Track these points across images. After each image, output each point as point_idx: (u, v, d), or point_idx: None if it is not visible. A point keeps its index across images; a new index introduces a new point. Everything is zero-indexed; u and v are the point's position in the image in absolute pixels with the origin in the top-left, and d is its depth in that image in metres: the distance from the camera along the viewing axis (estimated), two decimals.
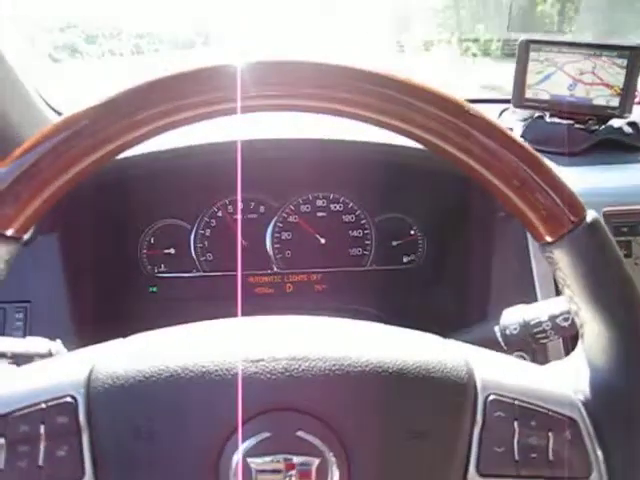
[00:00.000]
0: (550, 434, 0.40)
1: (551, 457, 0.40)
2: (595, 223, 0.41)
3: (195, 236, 1.04)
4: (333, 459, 0.38)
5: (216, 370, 0.39)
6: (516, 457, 0.40)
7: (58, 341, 0.65)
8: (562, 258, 0.42)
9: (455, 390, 0.41)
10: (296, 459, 0.38)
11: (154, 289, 1.05)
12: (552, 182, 0.41)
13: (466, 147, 0.40)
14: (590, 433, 0.41)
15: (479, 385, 0.41)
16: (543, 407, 0.41)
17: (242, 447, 0.38)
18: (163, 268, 1.05)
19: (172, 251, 1.04)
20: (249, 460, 0.38)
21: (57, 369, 0.41)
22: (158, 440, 0.38)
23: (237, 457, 0.38)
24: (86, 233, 0.92)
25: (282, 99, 0.41)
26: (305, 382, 0.39)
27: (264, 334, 0.43)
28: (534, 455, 0.40)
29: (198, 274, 1.05)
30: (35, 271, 0.83)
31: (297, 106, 0.41)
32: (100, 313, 0.91)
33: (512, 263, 0.85)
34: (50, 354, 0.62)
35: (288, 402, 0.39)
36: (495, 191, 0.41)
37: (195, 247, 1.04)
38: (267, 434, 0.38)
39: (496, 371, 0.43)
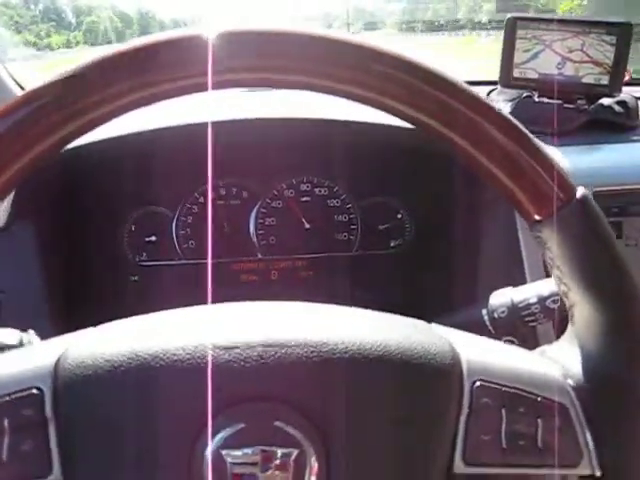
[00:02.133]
0: (539, 421, 0.39)
1: (540, 444, 0.38)
2: (585, 200, 0.39)
3: (177, 223, 1.02)
4: (312, 449, 0.36)
5: (188, 358, 0.37)
6: (503, 445, 0.38)
7: (31, 332, 0.63)
8: (551, 237, 0.40)
9: (440, 376, 0.39)
10: (273, 450, 0.36)
11: (136, 278, 1.02)
12: (540, 158, 0.39)
13: (450, 122, 0.38)
14: (580, 419, 0.39)
15: (465, 371, 0.39)
16: (532, 393, 0.39)
17: (216, 439, 0.36)
18: (145, 256, 1.02)
19: (154, 239, 1.02)
20: (223, 452, 0.36)
21: (23, 360, 0.39)
22: (128, 431, 0.37)
23: (210, 449, 0.36)
24: (64, 221, 0.90)
25: (257, 73, 0.38)
26: (281, 370, 0.37)
27: (238, 321, 0.41)
28: (522, 442, 0.38)
29: (181, 262, 1.02)
30: (9, 260, 0.81)
31: (273, 81, 0.39)
32: (79, 304, 0.89)
33: (501, 246, 0.84)
34: (21, 345, 0.60)
35: (264, 391, 0.37)
36: (481, 168, 0.39)
37: (177, 234, 1.02)
38: (242, 425, 0.36)
39: (483, 356, 0.41)
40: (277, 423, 0.36)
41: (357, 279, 1.00)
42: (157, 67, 0.37)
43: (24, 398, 0.36)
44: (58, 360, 0.38)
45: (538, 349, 0.46)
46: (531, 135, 0.39)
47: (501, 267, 0.83)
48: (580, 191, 0.39)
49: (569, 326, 0.43)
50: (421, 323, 0.43)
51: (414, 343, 0.39)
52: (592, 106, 1.00)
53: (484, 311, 0.62)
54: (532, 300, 0.59)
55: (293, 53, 0.38)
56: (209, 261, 0.99)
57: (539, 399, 0.39)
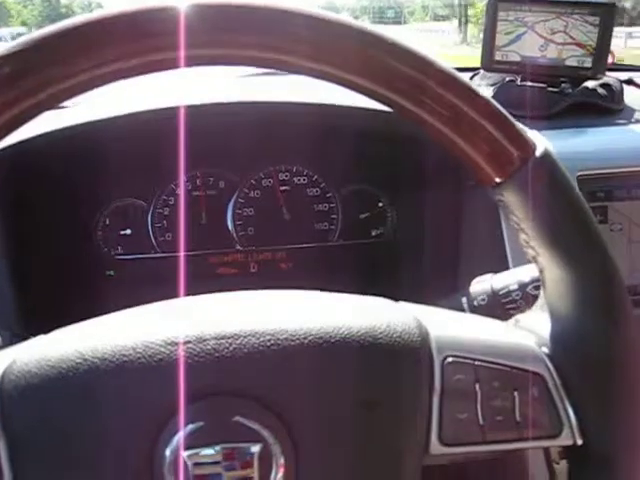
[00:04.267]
0: (515, 393, 0.37)
1: (518, 418, 0.37)
2: (545, 157, 0.37)
3: (152, 215, 0.99)
4: (277, 443, 0.35)
5: (138, 358, 0.35)
6: (481, 422, 0.37)
7: None
8: (513, 199, 0.38)
9: (408, 355, 0.37)
10: (235, 447, 0.34)
11: (111, 272, 0.99)
12: (494, 116, 0.37)
13: (391, 84, 0.36)
14: (558, 388, 0.38)
15: (434, 347, 0.37)
16: (505, 365, 0.38)
17: (174, 440, 0.34)
18: (120, 250, 0.99)
19: (129, 232, 0.99)
20: (184, 453, 0.34)
21: None
22: (81, 440, 0.34)
23: (170, 451, 0.34)
24: (33, 215, 0.87)
25: (234, 49, 0.35)
26: (237, 362, 0.35)
27: (190, 315, 0.39)
28: (500, 418, 0.37)
29: (157, 255, 0.99)
30: None
31: (249, 58, 0.36)
32: (52, 300, 0.86)
33: (483, 232, 0.82)
34: None
35: (220, 386, 0.35)
36: (434, 132, 0.37)
37: (153, 227, 0.99)
38: (201, 423, 0.34)
39: (452, 330, 0.39)
40: (237, 418, 0.35)
41: (338, 269, 0.97)
42: (122, 40, 0.34)
43: None
44: (4, 372, 0.35)
45: (511, 319, 0.44)
46: (481, 92, 0.37)
47: (483, 254, 0.81)
48: (541, 147, 0.37)
49: (541, 292, 0.41)
50: (385, 301, 0.41)
51: (378, 322, 0.37)
52: (576, 89, 0.98)
53: (464, 299, 0.60)
54: (513, 287, 0.57)
55: (268, 29, 0.35)
56: (181, 254, 0.97)
57: (514, 370, 0.38)
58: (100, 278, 0.99)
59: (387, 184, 1.00)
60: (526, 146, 0.37)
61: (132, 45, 0.34)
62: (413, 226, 0.98)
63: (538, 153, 0.37)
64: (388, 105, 0.37)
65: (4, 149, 0.74)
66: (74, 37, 0.34)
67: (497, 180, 0.38)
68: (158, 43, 0.34)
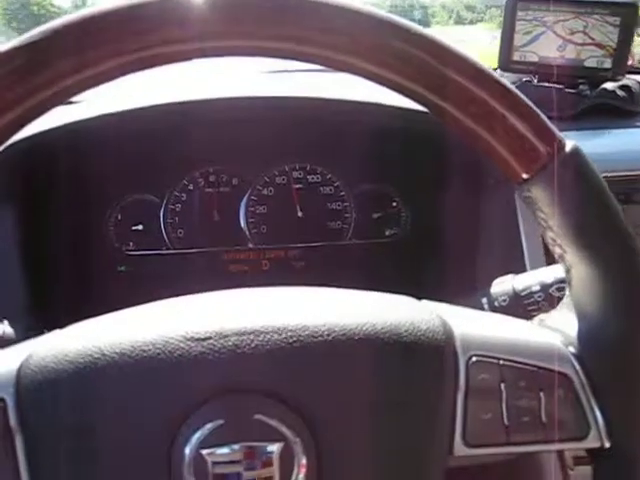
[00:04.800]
0: (541, 394, 0.36)
1: (544, 419, 0.36)
2: (575, 153, 0.36)
3: (165, 211, 0.98)
4: (298, 442, 0.34)
5: (158, 354, 0.34)
6: (506, 423, 0.36)
7: (5, 322, 0.60)
8: (541, 196, 0.37)
9: (433, 353, 0.36)
10: (255, 446, 0.34)
11: (122, 268, 0.99)
12: (522, 111, 0.36)
13: (419, 78, 0.35)
14: (585, 388, 0.37)
15: (459, 346, 0.36)
16: (531, 364, 0.37)
17: (194, 438, 0.33)
18: (132, 246, 0.99)
19: (141, 228, 0.98)
20: (203, 452, 0.33)
21: None
22: (100, 437, 0.34)
23: (189, 449, 0.33)
24: (46, 209, 0.86)
25: (257, 40, 0.34)
26: (259, 359, 0.34)
27: (210, 310, 0.38)
28: (525, 419, 0.36)
29: (169, 251, 0.99)
30: None
31: (275, 50, 0.35)
32: (63, 294, 0.86)
33: (500, 233, 0.81)
34: None
35: (241, 383, 0.34)
36: (461, 128, 0.36)
37: (165, 223, 0.98)
38: (221, 421, 0.34)
39: (477, 329, 0.38)
40: (258, 416, 0.34)
41: (351, 269, 0.96)
42: (140, 31, 0.33)
43: None
44: (21, 366, 0.35)
45: (535, 319, 0.43)
46: (510, 85, 0.36)
47: (500, 255, 0.80)
48: (569, 144, 0.36)
49: (567, 291, 0.40)
50: (409, 299, 0.40)
51: (402, 320, 0.37)
52: (594, 90, 0.97)
53: (484, 299, 0.59)
54: (535, 288, 0.56)
55: (284, 19, 0.34)
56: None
57: (540, 370, 0.37)
58: (111, 273, 0.98)
59: (402, 184, 0.99)
60: (554, 142, 0.36)
61: (146, 37, 0.33)
62: (428, 226, 0.97)
63: (567, 149, 0.36)
64: (415, 99, 0.36)
65: (16, 143, 0.74)
66: (87, 29, 0.33)
67: (524, 176, 0.37)
68: (173, 34, 0.33)
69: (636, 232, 0.80)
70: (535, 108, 0.36)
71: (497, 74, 0.36)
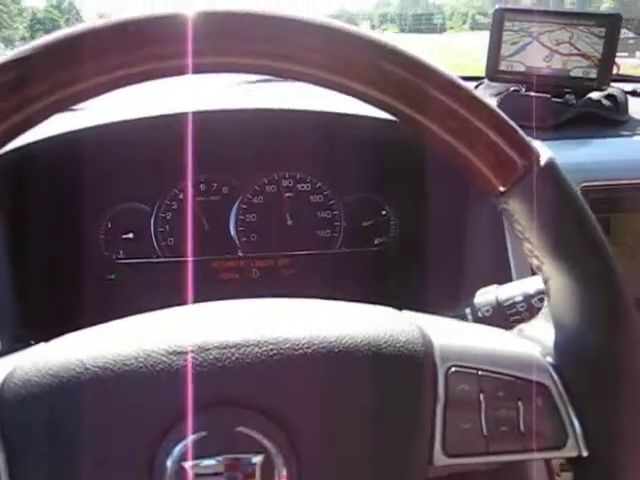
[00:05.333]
0: (520, 403, 0.37)
1: (522, 429, 0.37)
2: (550, 166, 0.37)
3: (155, 220, 0.98)
4: (279, 454, 0.34)
5: (140, 367, 0.34)
6: (485, 432, 0.36)
7: None
8: (517, 208, 0.37)
9: (412, 365, 0.37)
10: (237, 457, 0.34)
11: (112, 276, 0.99)
12: (498, 124, 0.36)
13: (395, 92, 0.36)
14: (563, 398, 0.37)
15: (438, 356, 0.37)
16: (509, 375, 0.37)
17: (176, 450, 0.34)
18: (122, 254, 0.99)
19: (131, 236, 0.99)
20: (185, 465, 0.34)
21: None
22: (83, 451, 0.34)
23: (171, 462, 0.34)
24: (36, 216, 0.86)
25: (243, 58, 0.35)
26: (240, 372, 0.35)
27: (192, 324, 0.38)
28: (504, 428, 0.37)
29: (159, 260, 0.99)
30: None
31: (260, 67, 0.36)
32: (53, 303, 0.86)
33: (487, 243, 0.81)
34: None
35: (223, 396, 0.35)
36: (437, 141, 0.37)
37: (155, 231, 0.99)
38: (203, 433, 0.34)
39: (456, 339, 0.39)
40: (240, 428, 0.34)
41: (340, 277, 0.97)
42: (130, 46, 0.34)
43: None
44: (4, 380, 0.35)
45: (515, 329, 0.44)
46: (486, 100, 0.37)
47: (486, 264, 0.80)
48: (545, 156, 0.37)
49: (545, 302, 0.41)
50: (389, 310, 0.40)
51: (382, 332, 0.37)
52: (580, 100, 0.98)
53: (468, 310, 0.59)
54: (518, 299, 0.57)
55: (279, 37, 0.35)
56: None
57: (518, 381, 0.37)
58: (102, 282, 0.98)
59: (391, 192, 1.00)
60: (530, 154, 0.37)
61: (137, 52, 0.34)
62: (416, 235, 0.98)
63: (542, 162, 0.37)
64: (392, 114, 0.37)
65: (4, 153, 0.74)
66: (80, 44, 0.33)
67: (501, 189, 0.38)
68: (163, 51, 0.34)
69: (619, 241, 0.81)
70: (510, 121, 0.37)
71: (473, 89, 0.37)
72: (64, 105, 0.35)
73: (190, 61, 0.34)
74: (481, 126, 0.36)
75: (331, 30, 0.35)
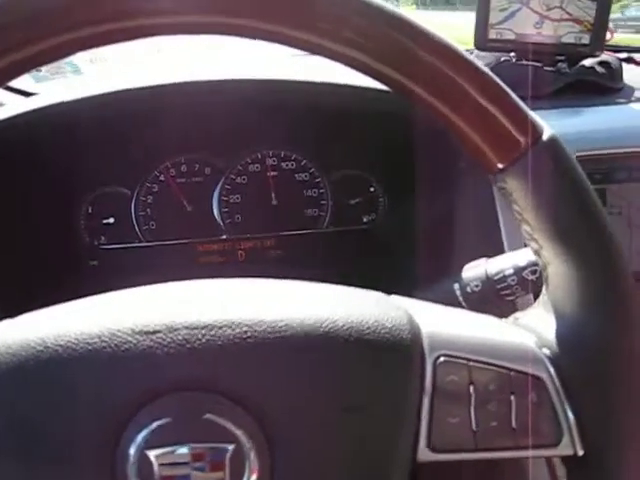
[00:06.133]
0: (512, 397, 0.34)
1: (514, 424, 0.34)
2: (552, 142, 0.34)
3: (136, 203, 0.96)
4: (250, 444, 0.32)
5: (104, 347, 0.32)
6: (474, 427, 0.34)
7: None
8: (516, 187, 0.35)
9: (397, 352, 0.34)
10: (205, 447, 0.32)
11: (94, 262, 0.96)
12: (498, 97, 0.34)
13: (388, 59, 0.33)
14: (559, 392, 0.35)
15: (426, 345, 0.34)
16: (502, 366, 0.35)
17: (139, 437, 0.31)
18: (103, 239, 0.96)
19: (112, 221, 0.96)
20: (149, 453, 0.31)
21: None
22: (43, 433, 0.32)
23: (134, 449, 0.31)
24: (12, 202, 0.83)
25: (221, 16, 0.32)
26: (210, 354, 0.32)
27: (161, 303, 0.36)
28: (494, 423, 0.34)
29: (141, 244, 0.96)
30: None
31: (241, 29, 0.33)
32: (33, 291, 0.83)
33: (477, 217, 0.79)
34: None
35: (191, 380, 0.32)
36: (434, 113, 0.34)
37: (137, 215, 0.96)
38: (168, 419, 0.32)
39: (446, 326, 0.36)
40: (208, 415, 0.32)
41: (329, 257, 0.94)
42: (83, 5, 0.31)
43: None
44: None
45: (510, 317, 0.41)
46: (487, 71, 0.34)
47: (479, 240, 0.77)
48: (547, 132, 0.34)
49: (543, 289, 0.38)
50: (376, 294, 0.38)
51: (366, 316, 0.34)
52: (573, 68, 0.95)
53: (456, 285, 0.57)
54: (508, 272, 0.54)
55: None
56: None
57: (511, 373, 0.35)
58: (83, 268, 0.96)
59: (378, 169, 0.97)
60: (532, 130, 0.34)
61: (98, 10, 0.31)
62: (405, 212, 0.95)
63: (544, 138, 0.34)
64: (385, 83, 0.34)
65: None
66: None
67: (499, 166, 0.35)
68: (144, 6, 0.32)
69: (615, 212, 0.78)
70: (512, 94, 0.34)
71: (473, 57, 0.34)
72: (25, 67, 0.33)
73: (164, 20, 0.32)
74: (481, 98, 0.34)
75: None
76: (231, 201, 0.96)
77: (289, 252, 0.97)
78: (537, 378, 0.35)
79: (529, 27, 0.94)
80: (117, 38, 0.33)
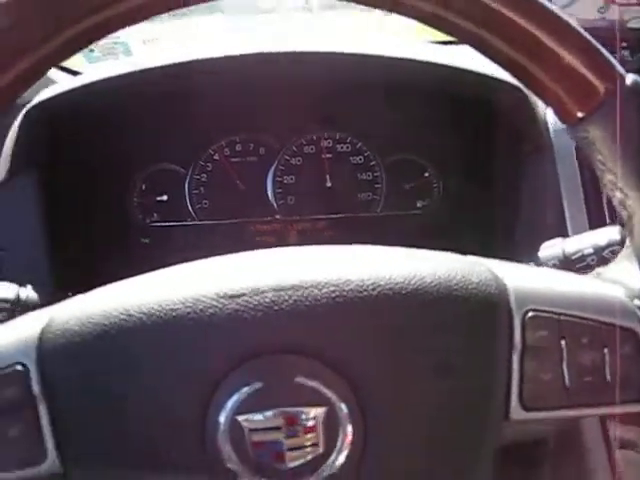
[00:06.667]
0: (605, 350, 0.33)
1: (609, 378, 0.33)
2: (636, 86, 0.33)
3: (190, 182, 0.96)
4: (343, 407, 0.31)
5: (188, 313, 0.32)
6: (567, 383, 0.33)
7: (29, 287, 0.58)
8: (599, 136, 0.34)
9: (485, 309, 0.33)
10: (297, 411, 0.31)
11: (146, 240, 0.96)
12: (576, 42, 0.33)
13: (465, 12, 0.33)
14: None
15: (513, 300, 0.34)
16: (594, 320, 0.34)
17: (230, 402, 0.31)
18: (156, 217, 0.97)
19: (165, 198, 0.96)
20: (240, 418, 0.31)
21: (5, 334, 0.34)
22: (129, 402, 0.32)
23: (224, 416, 0.31)
24: (68, 176, 0.84)
25: None
26: (298, 316, 0.32)
27: (243, 267, 0.35)
28: (588, 378, 0.33)
29: (193, 223, 0.96)
30: (10, 216, 0.75)
31: None
32: (85, 266, 0.84)
33: (539, 202, 0.77)
34: (18, 299, 0.55)
35: (280, 342, 0.32)
36: (508, 63, 0.34)
37: (190, 194, 0.96)
38: (259, 384, 0.31)
39: (532, 282, 0.35)
40: (299, 379, 0.31)
41: (382, 241, 0.93)
42: None
43: (7, 377, 0.32)
44: (42, 331, 0.33)
45: (592, 272, 0.41)
46: (562, 14, 0.33)
47: (542, 225, 0.76)
48: (630, 77, 0.34)
49: (627, 241, 0.38)
50: (456, 255, 0.37)
51: (452, 272, 0.34)
52: (637, 56, 0.93)
53: (532, 265, 0.55)
54: (587, 251, 0.53)
55: None
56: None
57: (603, 326, 0.34)
58: (135, 245, 0.96)
59: (434, 153, 0.96)
60: (613, 76, 0.34)
61: None
62: (462, 197, 0.94)
63: (628, 82, 0.34)
64: (463, 37, 0.34)
65: (37, 106, 0.72)
66: None
67: (579, 115, 0.35)
68: None
69: None
70: (591, 38, 0.34)
71: (551, 4, 0.33)
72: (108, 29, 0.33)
73: None
74: (558, 45, 0.33)
75: None
76: (285, 182, 0.96)
77: (341, 235, 0.96)
78: (629, 330, 0.34)
79: (593, 12, 0.92)
80: None
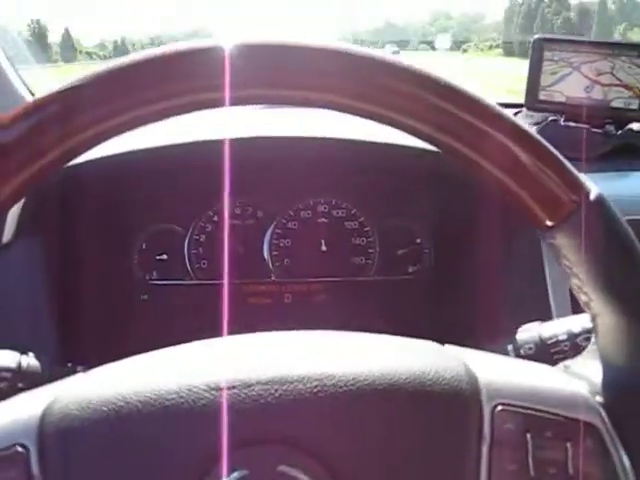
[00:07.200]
0: (568, 445, 0.35)
1: (571, 471, 0.35)
2: (600, 201, 0.36)
3: (189, 242, 0.99)
4: None
5: (181, 403, 0.34)
6: (531, 474, 0.35)
7: (30, 354, 0.60)
8: (565, 243, 0.36)
9: (457, 402, 0.35)
10: None
11: (146, 297, 0.99)
12: (547, 158, 0.36)
13: (444, 126, 0.35)
14: (614, 440, 0.35)
15: (484, 394, 0.36)
16: (558, 414, 0.36)
17: None
18: (155, 275, 0.99)
19: (165, 257, 0.99)
20: None
21: (6, 413, 0.35)
22: None
23: None
24: (72, 237, 0.87)
25: (281, 89, 0.35)
26: (283, 409, 0.34)
27: (235, 357, 0.38)
28: (552, 470, 0.35)
29: (192, 282, 0.99)
30: (12, 277, 0.78)
31: (295, 98, 0.36)
32: (86, 323, 0.86)
33: (525, 276, 0.80)
34: (19, 368, 0.57)
35: (265, 433, 0.34)
36: (484, 174, 0.36)
37: (189, 253, 0.99)
38: (245, 471, 0.33)
39: (502, 376, 0.37)
40: (282, 467, 0.33)
41: (374, 305, 0.96)
42: (171, 79, 0.34)
43: (8, 458, 0.33)
44: (44, 412, 0.34)
45: (560, 365, 0.42)
46: (534, 133, 0.36)
47: (525, 298, 0.79)
48: (594, 191, 0.36)
49: (592, 339, 0.40)
50: (431, 344, 0.39)
51: (426, 368, 0.36)
52: (620, 131, 0.97)
53: (510, 347, 0.58)
54: (562, 337, 0.55)
55: (319, 68, 0.35)
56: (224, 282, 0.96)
57: (566, 420, 0.35)
58: (135, 302, 0.99)
59: (426, 221, 0.99)
60: (580, 189, 0.36)
61: (177, 85, 0.34)
62: (451, 265, 0.96)
63: (592, 197, 0.36)
64: (436, 146, 0.37)
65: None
66: (121, 77, 0.34)
67: (549, 223, 0.37)
68: (203, 83, 0.34)
69: None
70: (559, 155, 0.36)
71: (520, 120, 0.36)
72: (109, 136, 0.35)
73: (228, 94, 0.34)
74: (531, 160, 0.36)
75: (372, 60, 0.35)
76: (281, 245, 0.99)
77: (335, 298, 0.99)
78: (591, 425, 0.36)
79: (579, 91, 0.97)
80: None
